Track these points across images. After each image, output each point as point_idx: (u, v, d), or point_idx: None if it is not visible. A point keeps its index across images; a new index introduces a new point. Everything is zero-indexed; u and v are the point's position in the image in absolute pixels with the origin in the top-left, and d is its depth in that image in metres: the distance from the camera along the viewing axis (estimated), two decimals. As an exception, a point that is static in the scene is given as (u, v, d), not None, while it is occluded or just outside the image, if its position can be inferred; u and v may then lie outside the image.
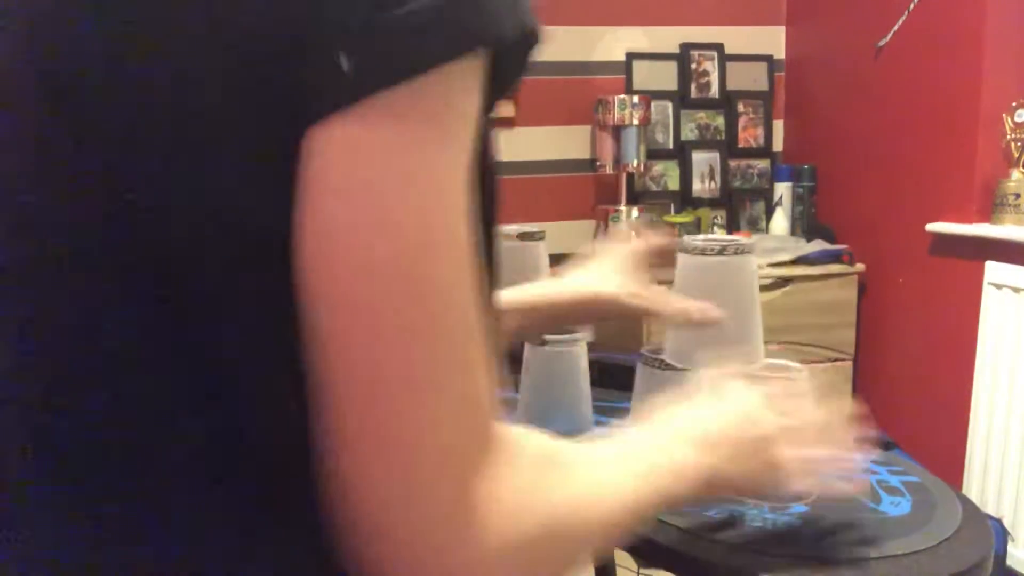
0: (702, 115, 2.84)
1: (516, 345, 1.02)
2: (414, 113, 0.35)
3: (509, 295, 0.90)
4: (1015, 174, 2.03)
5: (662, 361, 0.92)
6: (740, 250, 0.86)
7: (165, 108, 0.36)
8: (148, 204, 0.37)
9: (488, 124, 0.41)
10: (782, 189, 2.74)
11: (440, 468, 0.37)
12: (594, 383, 1.06)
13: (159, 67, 0.36)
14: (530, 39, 0.38)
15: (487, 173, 0.41)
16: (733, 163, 2.85)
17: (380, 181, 0.35)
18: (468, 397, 0.38)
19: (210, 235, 0.37)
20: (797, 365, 0.85)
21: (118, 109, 0.37)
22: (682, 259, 0.89)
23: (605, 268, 0.93)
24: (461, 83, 0.37)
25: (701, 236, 0.92)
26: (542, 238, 1.09)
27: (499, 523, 0.38)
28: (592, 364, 1.06)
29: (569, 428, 1.03)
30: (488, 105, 0.39)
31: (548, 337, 0.99)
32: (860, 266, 2.44)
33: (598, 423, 1.06)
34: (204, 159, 0.36)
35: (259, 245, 0.37)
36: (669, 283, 0.93)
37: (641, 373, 0.95)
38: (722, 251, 0.85)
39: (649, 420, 0.58)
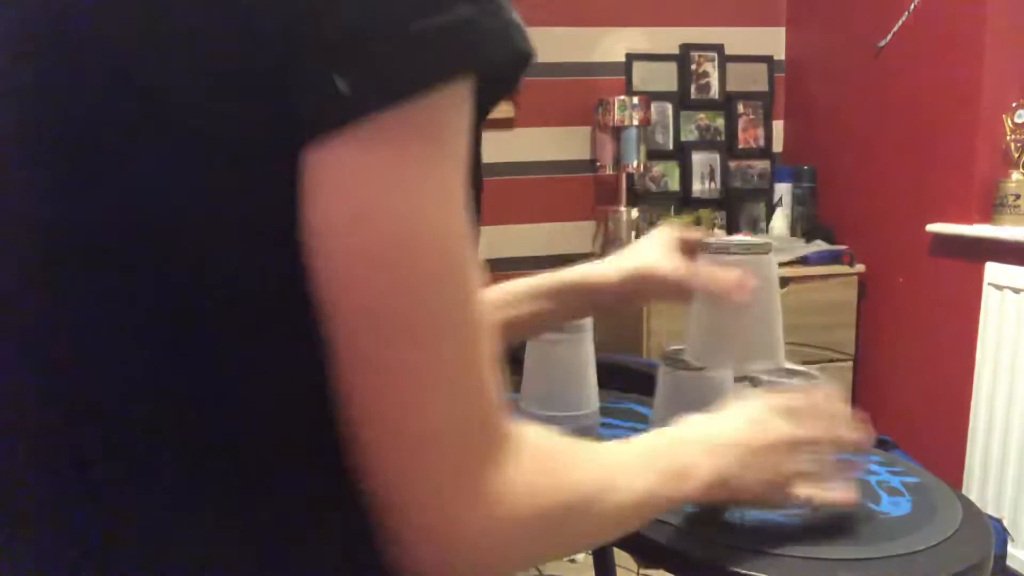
0: (702, 116, 2.84)
1: (516, 346, 1.01)
2: (409, 132, 0.37)
3: (540, 278, 0.88)
4: (1015, 175, 2.03)
5: (684, 362, 0.92)
6: (761, 250, 0.86)
7: (165, 113, 0.37)
8: (148, 206, 0.38)
9: (477, 135, 0.43)
10: (782, 190, 2.74)
11: (447, 455, 0.40)
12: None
13: (161, 70, 0.37)
14: (521, 60, 0.40)
15: (473, 182, 0.43)
16: (733, 164, 2.85)
17: (379, 198, 0.37)
18: (471, 389, 0.40)
19: (211, 236, 0.38)
20: (814, 371, 0.85)
21: (115, 107, 0.38)
22: (703, 259, 0.89)
23: (642, 248, 0.89)
24: (452, 102, 0.38)
25: (722, 237, 0.91)
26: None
27: (508, 502, 0.42)
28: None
29: (575, 425, 1.03)
30: (479, 118, 0.42)
31: (549, 336, 0.99)
32: (860, 267, 2.44)
33: (603, 424, 1.07)
34: (198, 163, 0.37)
35: (255, 248, 0.39)
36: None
37: (663, 374, 0.95)
38: (744, 250, 0.85)
39: (665, 427, 0.61)
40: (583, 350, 1.03)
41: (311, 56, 0.36)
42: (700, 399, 0.92)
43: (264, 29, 0.36)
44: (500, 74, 0.41)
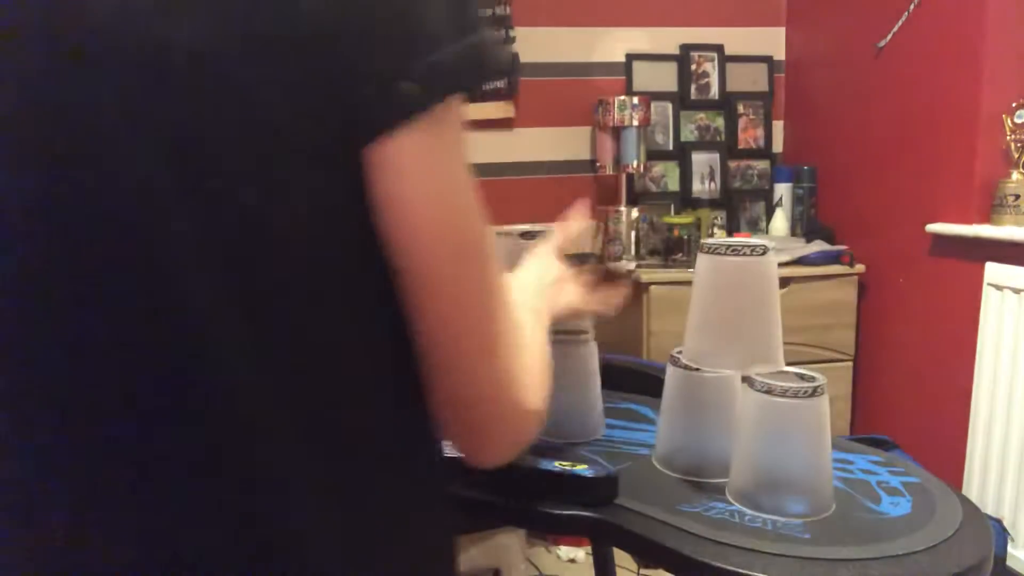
0: (702, 116, 2.84)
1: None
2: (453, 119, 0.51)
3: None
4: (1015, 175, 2.04)
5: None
6: (759, 250, 0.85)
7: (259, 123, 0.47)
8: (226, 201, 0.47)
9: None
10: (782, 190, 2.74)
11: (510, 348, 0.57)
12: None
13: (245, 82, 0.46)
14: (507, 69, 0.57)
15: None
16: (733, 164, 2.85)
17: (447, 164, 0.51)
18: (504, 295, 0.57)
19: (291, 226, 0.49)
20: (814, 374, 0.84)
21: (200, 118, 0.47)
22: (701, 259, 0.89)
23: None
24: (462, 101, 0.51)
25: (720, 238, 0.91)
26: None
27: (531, 371, 0.61)
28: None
29: (582, 430, 1.03)
30: None
31: (555, 336, 0.98)
32: (860, 267, 2.44)
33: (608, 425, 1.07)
34: (274, 163, 0.48)
35: (333, 234, 0.50)
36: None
37: (671, 374, 0.95)
38: (739, 252, 0.85)
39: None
40: (589, 364, 1.02)
41: (376, 70, 0.47)
42: (709, 399, 0.92)
43: (333, 54, 0.46)
44: (489, 81, 0.58)
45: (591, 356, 1.04)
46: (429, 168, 0.50)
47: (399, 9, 0.48)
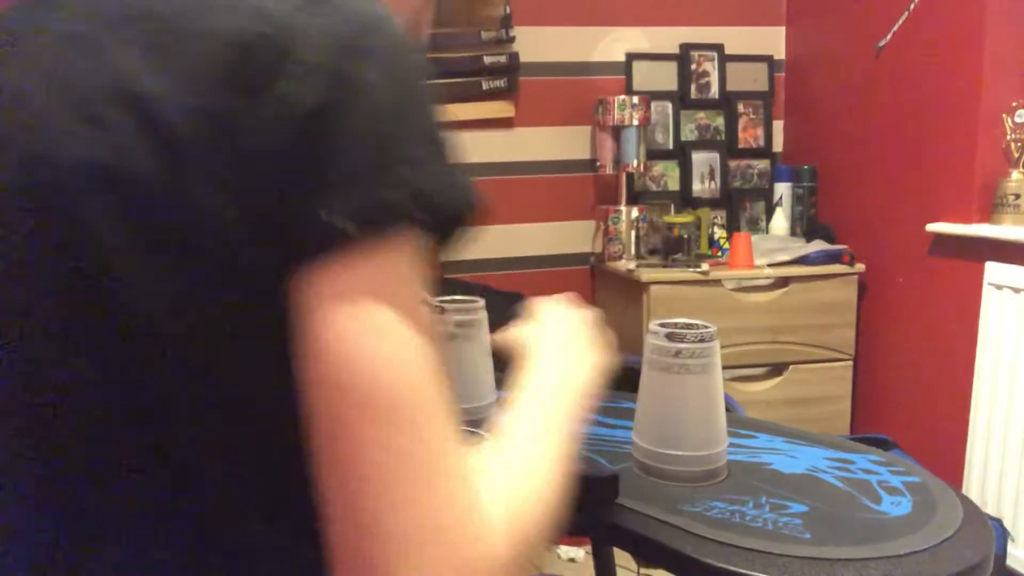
0: (702, 115, 2.84)
1: None
2: (395, 260, 0.45)
3: None
4: (1015, 174, 2.04)
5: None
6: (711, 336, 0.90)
7: (176, 248, 0.45)
8: (143, 330, 0.46)
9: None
10: (782, 189, 2.74)
11: (440, 558, 0.43)
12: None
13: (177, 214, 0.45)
14: (465, 213, 0.49)
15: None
16: (733, 163, 2.85)
17: (369, 308, 0.44)
18: (444, 484, 0.44)
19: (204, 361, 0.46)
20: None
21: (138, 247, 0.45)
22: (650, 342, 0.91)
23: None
24: (402, 243, 0.46)
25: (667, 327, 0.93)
26: None
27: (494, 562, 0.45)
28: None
29: (471, 417, 1.03)
30: (433, 261, 0.49)
31: (446, 305, 1.05)
32: (860, 266, 2.44)
33: (599, 423, 1.06)
34: (205, 293, 0.45)
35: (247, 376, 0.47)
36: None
37: (647, 348, 0.96)
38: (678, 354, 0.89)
39: (523, 384, 0.66)
40: (477, 344, 1.06)
41: (308, 194, 0.44)
42: (680, 366, 0.93)
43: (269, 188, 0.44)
44: (448, 221, 0.48)
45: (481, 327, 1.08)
46: (347, 307, 0.44)
47: (357, 130, 0.44)
